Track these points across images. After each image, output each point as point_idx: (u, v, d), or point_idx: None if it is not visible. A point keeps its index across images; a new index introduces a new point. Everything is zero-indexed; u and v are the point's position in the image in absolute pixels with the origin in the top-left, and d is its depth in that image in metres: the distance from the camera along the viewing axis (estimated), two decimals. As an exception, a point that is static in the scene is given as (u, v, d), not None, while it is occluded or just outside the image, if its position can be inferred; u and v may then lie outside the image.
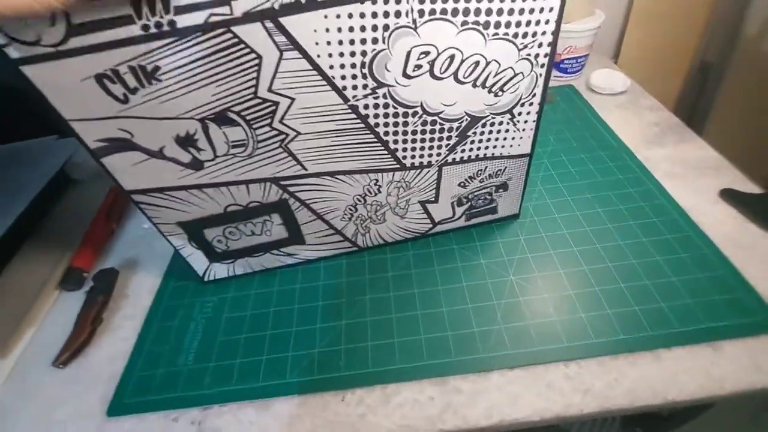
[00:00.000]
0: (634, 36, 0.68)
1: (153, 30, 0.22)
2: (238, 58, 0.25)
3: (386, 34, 0.26)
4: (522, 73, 0.30)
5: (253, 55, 0.25)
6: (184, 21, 0.23)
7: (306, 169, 0.33)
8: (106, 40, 0.22)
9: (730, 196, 0.43)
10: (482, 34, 0.27)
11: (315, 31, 0.25)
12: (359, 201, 0.37)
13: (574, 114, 0.58)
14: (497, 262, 0.40)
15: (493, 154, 0.36)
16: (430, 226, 0.42)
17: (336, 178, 0.34)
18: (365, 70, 0.27)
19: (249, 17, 0.23)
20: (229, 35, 0.24)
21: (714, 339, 0.32)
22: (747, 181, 0.45)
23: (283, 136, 0.30)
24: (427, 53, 0.27)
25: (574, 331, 0.34)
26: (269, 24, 0.24)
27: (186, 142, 0.28)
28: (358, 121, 0.30)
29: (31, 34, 0.21)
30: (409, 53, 0.27)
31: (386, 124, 0.31)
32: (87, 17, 0.21)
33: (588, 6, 0.61)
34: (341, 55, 0.26)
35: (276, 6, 0.23)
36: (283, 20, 0.24)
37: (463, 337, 0.34)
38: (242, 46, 0.24)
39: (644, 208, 0.43)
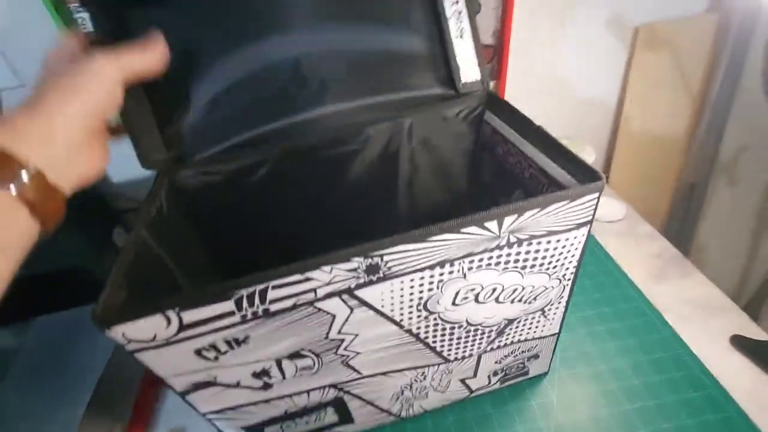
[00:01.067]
0: (621, 165, 0.76)
1: (249, 317, 0.26)
2: (316, 320, 0.28)
3: (441, 284, 0.30)
4: (552, 286, 0.34)
5: (329, 316, 0.29)
6: (275, 307, 0.26)
7: (361, 373, 0.36)
8: (209, 330, 0.26)
9: (741, 345, 0.46)
10: (520, 273, 0.31)
11: (382, 293, 0.29)
12: (406, 388, 0.39)
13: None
14: (533, 429, 0.42)
15: (526, 338, 0.39)
16: (468, 394, 0.44)
17: (388, 375, 0.37)
18: (420, 307, 0.31)
19: (329, 296, 0.27)
20: (311, 308, 0.27)
21: None
22: (751, 323, 0.49)
23: (346, 356, 0.33)
24: (473, 290, 0.31)
25: None
26: (345, 296, 0.28)
27: (261, 375, 0.31)
28: (411, 338, 0.34)
29: (148, 333, 0.25)
30: (457, 292, 0.31)
31: (434, 336, 0.35)
32: (196, 317, 0.25)
33: (579, 144, 0.69)
34: (401, 303, 0.30)
35: (352, 285, 0.27)
36: (356, 292, 0.28)
37: None
38: (321, 313, 0.28)
39: (665, 360, 0.46)
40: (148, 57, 0.31)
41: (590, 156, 0.68)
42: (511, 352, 0.41)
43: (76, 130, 0.26)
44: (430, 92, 0.42)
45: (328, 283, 0.26)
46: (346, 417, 0.40)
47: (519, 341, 0.39)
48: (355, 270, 0.26)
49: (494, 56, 0.66)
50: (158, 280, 0.32)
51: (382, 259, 0.26)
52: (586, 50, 0.68)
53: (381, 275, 0.27)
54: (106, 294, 0.25)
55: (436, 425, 0.43)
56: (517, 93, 0.69)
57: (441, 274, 0.29)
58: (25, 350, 0.47)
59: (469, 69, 0.41)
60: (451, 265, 0.29)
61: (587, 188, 0.30)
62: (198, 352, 0.27)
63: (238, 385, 0.32)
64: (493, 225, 0.27)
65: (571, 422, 0.42)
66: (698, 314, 0.51)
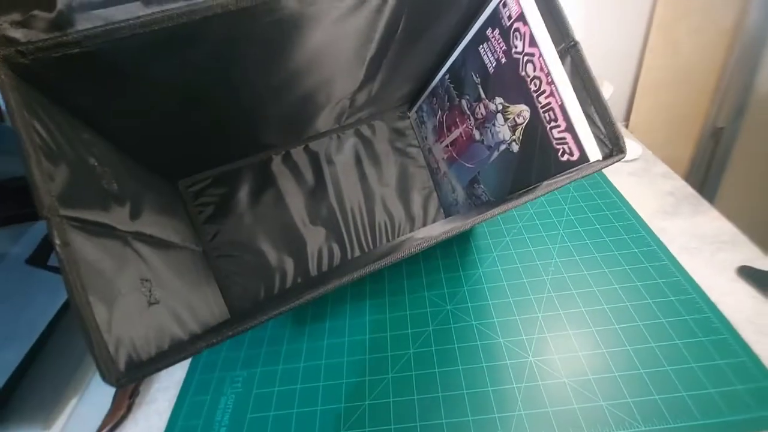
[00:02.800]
0: (643, 104, 0.71)
1: None
2: None
3: None
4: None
5: None
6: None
7: None
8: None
9: (747, 274, 0.43)
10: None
11: None
12: None
13: (586, 181, 0.60)
14: (516, 341, 0.41)
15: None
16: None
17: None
18: None
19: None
20: None
21: (739, 434, 0.32)
22: (763, 256, 0.46)
23: None
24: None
25: (593, 420, 0.34)
26: None
27: None
28: None
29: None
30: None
31: None
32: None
33: (598, 77, 0.65)
34: None
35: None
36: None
37: (484, 423, 0.35)
38: None
39: (661, 286, 0.44)
40: None
41: (608, 90, 0.64)
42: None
43: None
44: None
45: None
46: None
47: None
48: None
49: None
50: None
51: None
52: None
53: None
54: (101, 350, 0.20)
55: (409, 276, 0.44)
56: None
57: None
58: (14, 254, 0.49)
59: None
60: None
61: (605, 163, 0.28)
62: None
63: None
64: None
65: (556, 336, 0.41)
66: (707, 248, 0.48)
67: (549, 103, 0.32)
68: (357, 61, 0.38)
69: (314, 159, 0.51)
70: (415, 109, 0.54)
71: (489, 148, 0.41)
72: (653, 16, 0.65)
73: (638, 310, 0.42)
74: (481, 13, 0.37)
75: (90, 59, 0.23)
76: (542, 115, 0.33)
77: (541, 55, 0.31)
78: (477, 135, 0.42)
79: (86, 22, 0.22)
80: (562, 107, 0.31)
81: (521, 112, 0.35)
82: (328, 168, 0.51)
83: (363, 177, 0.52)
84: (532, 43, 0.32)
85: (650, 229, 0.51)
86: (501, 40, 0.35)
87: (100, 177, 0.27)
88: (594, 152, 0.30)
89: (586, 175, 0.29)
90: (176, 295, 0.32)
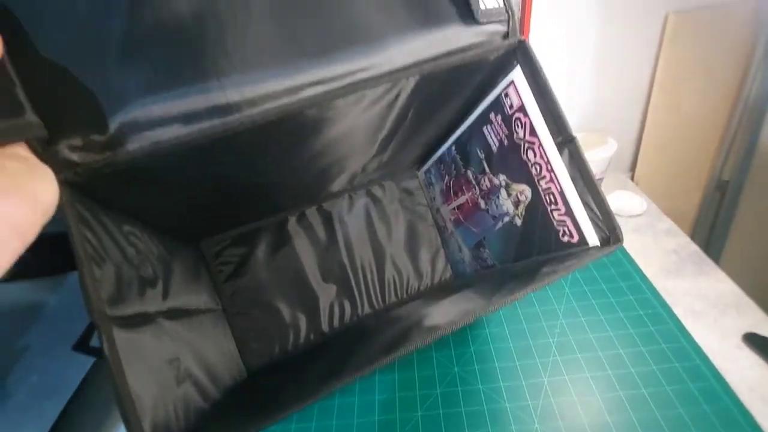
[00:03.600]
0: (647, 157, 0.73)
1: None
2: None
3: None
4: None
5: None
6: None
7: None
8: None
9: (753, 342, 0.44)
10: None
11: None
12: None
13: (593, 235, 0.62)
14: (522, 406, 0.42)
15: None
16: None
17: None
18: None
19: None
20: None
21: None
22: (770, 322, 0.46)
23: None
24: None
25: (599, 496, 0.35)
26: None
27: None
28: None
29: None
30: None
31: None
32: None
33: (600, 137, 0.67)
34: None
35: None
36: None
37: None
38: None
39: (666, 351, 0.45)
40: None
41: (611, 147, 0.66)
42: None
43: None
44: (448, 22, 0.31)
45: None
46: None
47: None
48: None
49: (514, 44, 0.65)
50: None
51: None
52: (613, 38, 0.66)
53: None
54: None
55: (424, 397, 0.45)
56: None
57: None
58: (54, 303, 0.52)
59: None
60: None
61: (603, 251, 0.30)
62: None
63: None
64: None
65: (561, 402, 0.42)
66: (711, 311, 0.49)
67: (549, 188, 0.34)
68: (370, 142, 0.42)
69: (327, 219, 0.54)
70: (423, 170, 0.57)
71: (494, 218, 0.43)
72: (654, 77, 0.67)
73: (643, 376, 0.43)
74: (485, 98, 0.40)
75: (134, 171, 0.27)
76: (543, 197, 0.35)
77: (540, 144, 0.34)
78: (482, 204, 0.45)
79: (134, 143, 0.26)
80: (562, 194, 0.34)
81: (523, 191, 0.38)
82: (340, 227, 0.54)
83: (373, 235, 0.55)
84: (533, 133, 0.35)
85: (655, 290, 0.52)
86: (503, 125, 0.38)
87: (138, 267, 0.30)
88: (592, 238, 0.32)
89: (584, 264, 0.31)
90: (200, 361, 0.35)
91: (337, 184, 0.52)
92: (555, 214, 0.35)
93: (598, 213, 0.32)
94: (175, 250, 0.41)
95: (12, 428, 0.40)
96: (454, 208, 0.51)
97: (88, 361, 0.44)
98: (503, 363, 0.46)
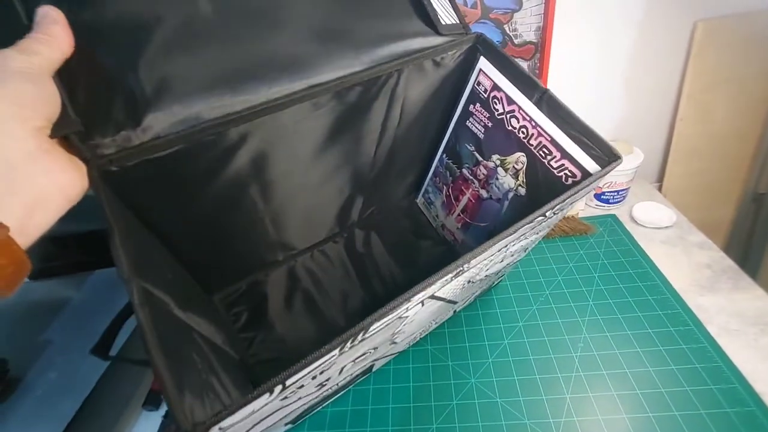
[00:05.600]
0: (676, 169, 0.70)
1: (346, 347, 0.25)
2: (393, 326, 0.30)
3: (491, 262, 0.33)
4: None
5: (404, 318, 0.30)
6: (371, 333, 0.26)
7: (396, 343, 0.38)
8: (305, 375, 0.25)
9: (797, 365, 0.41)
10: (538, 233, 0.32)
11: (455, 286, 0.31)
12: (420, 333, 0.43)
13: (617, 248, 0.59)
14: (542, 423, 0.40)
15: (505, 268, 0.39)
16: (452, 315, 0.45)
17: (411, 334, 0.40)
18: (467, 282, 0.34)
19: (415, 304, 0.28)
20: (397, 320, 0.28)
21: None
22: (816, 344, 0.43)
23: (394, 338, 0.35)
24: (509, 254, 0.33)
25: None
26: (427, 300, 0.29)
27: (323, 383, 0.32)
28: (446, 304, 0.37)
29: (246, 412, 0.23)
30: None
31: (459, 295, 0.37)
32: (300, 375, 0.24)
33: (626, 147, 0.65)
34: (462, 286, 0.34)
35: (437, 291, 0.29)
36: (437, 293, 0.30)
37: None
38: (401, 319, 0.29)
39: (700, 372, 0.42)
40: (57, 42, 0.24)
41: (638, 157, 0.64)
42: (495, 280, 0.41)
43: (19, 143, 0.20)
44: (412, 33, 0.38)
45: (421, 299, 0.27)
46: (367, 372, 0.42)
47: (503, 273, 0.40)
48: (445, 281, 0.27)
49: (535, 53, 0.65)
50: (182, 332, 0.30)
51: (469, 264, 0.27)
52: (640, 47, 0.64)
53: (460, 272, 0.28)
54: (177, 403, 0.21)
55: (433, 342, 0.47)
56: (560, 92, 0.67)
57: (499, 252, 0.30)
58: (77, 300, 0.53)
59: (446, 14, 0.39)
60: (506, 247, 0.30)
61: (607, 170, 0.30)
62: (283, 398, 0.26)
63: (298, 400, 0.31)
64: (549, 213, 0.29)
65: (584, 421, 0.39)
66: (749, 330, 0.46)
67: (540, 142, 0.35)
68: (367, 152, 0.45)
69: (335, 257, 0.53)
70: (421, 194, 0.57)
71: (498, 200, 0.43)
72: (683, 86, 0.65)
73: (674, 397, 0.40)
74: (461, 98, 0.43)
75: (157, 164, 0.28)
76: (537, 154, 0.36)
77: (520, 108, 0.36)
78: (484, 194, 0.45)
79: (153, 133, 0.27)
80: (552, 141, 0.34)
81: (518, 158, 0.38)
82: (350, 262, 0.53)
83: (384, 263, 0.54)
84: (510, 102, 0.37)
85: (687, 306, 0.49)
86: (483, 110, 0.41)
87: (159, 265, 0.30)
88: (593, 167, 0.32)
89: (591, 185, 0.31)
90: (222, 389, 0.33)
91: (339, 219, 0.52)
92: (553, 162, 0.35)
93: (589, 142, 0.32)
94: (193, 287, 0.42)
95: (29, 424, 0.41)
96: (458, 214, 0.50)
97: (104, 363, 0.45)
98: (522, 376, 0.44)
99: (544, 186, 0.36)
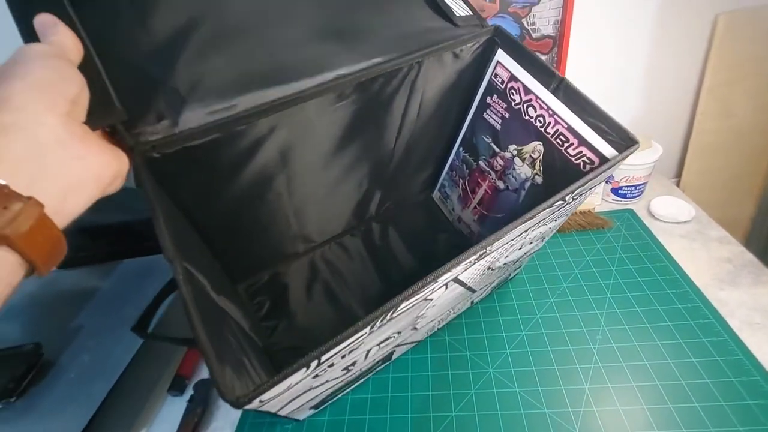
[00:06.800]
0: (695, 164, 0.70)
1: (374, 328, 0.26)
2: (417, 308, 0.31)
3: (511, 247, 0.33)
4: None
5: (428, 301, 0.31)
6: (399, 313, 0.27)
7: (417, 329, 0.39)
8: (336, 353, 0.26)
9: (821, 358, 0.41)
10: (556, 220, 0.34)
11: (475, 271, 0.32)
12: (437, 321, 0.44)
13: (635, 242, 0.59)
14: (562, 413, 0.40)
15: (524, 258, 0.39)
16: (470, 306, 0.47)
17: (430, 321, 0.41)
18: (487, 269, 0.35)
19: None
20: (423, 301, 0.29)
21: None
22: (841, 339, 0.42)
23: (417, 322, 0.36)
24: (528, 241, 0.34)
25: None
26: (450, 282, 0.31)
27: (349, 367, 0.34)
28: (467, 291, 0.39)
29: (284, 386, 0.24)
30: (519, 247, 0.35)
31: (478, 281, 0.38)
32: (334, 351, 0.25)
33: (644, 140, 0.65)
34: (481, 271, 0.34)
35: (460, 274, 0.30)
36: (460, 276, 0.31)
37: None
38: (425, 302, 0.31)
39: (721, 365, 0.42)
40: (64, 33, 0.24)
41: (656, 152, 0.64)
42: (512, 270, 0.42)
43: (48, 128, 0.20)
44: (431, 25, 0.39)
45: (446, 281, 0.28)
46: (387, 359, 0.43)
47: (521, 263, 0.41)
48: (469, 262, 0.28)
49: (553, 47, 0.65)
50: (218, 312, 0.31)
51: (491, 247, 0.28)
52: (659, 40, 0.64)
53: (483, 255, 0.29)
54: (220, 376, 0.22)
55: (450, 333, 0.48)
56: (579, 85, 0.67)
57: (519, 237, 0.31)
58: (106, 288, 0.55)
59: (459, 6, 0.41)
60: (526, 232, 0.30)
61: (625, 155, 0.30)
62: (315, 376, 0.27)
63: (325, 383, 0.33)
64: (569, 197, 0.29)
65: (604, 411, 0.40)
66: (771, 324, 0.45)
67: (557, 130, 0.36)
68: (386, 146, 0.46)
69: (354, 249, 0.55)
70: (437, 188, 0.58)
71: (515, 191, 0.43)
72: (703, 80, 0.65)
73: (695, 389, 0.40)
74: (478, 90, 0.44)
75: (194, 152, 0.29)
76: (554, 141, 0.37)
77: (537, 97, 0.37)
78: (501, 185, 0.46)
79: (192, 123, 0.28)
80: (570, 128, 0.35)
81: (535, 147, 0.39)
82: (367, 255, 0.54)
83: (402, 256, 0.54)
84: (527, 91, 0.38)
85: (707, 299, 0.49)
86: (500, 101, 0.42)
87: (195, 250, 0.32)
88: (610, 152, 0.32)
89: (610, 170, 0.31)
90: (253, 370, 0.33)
91: (355, 214, 0.53)
92: (570, 150, 0.35)
93: (606, 128, 0.32)
94: (220, 274, 0.43)
95: (63, 406, 0.43)
96: (474, 207, 0.51)
97: (137, 344, 0.47)
98: (541, 366, 0.44)
99: (561, 174, 0.37)
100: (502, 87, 0.40)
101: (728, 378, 0.40)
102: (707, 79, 0.64)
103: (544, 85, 0.36)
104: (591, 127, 0.33)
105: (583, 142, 0.33)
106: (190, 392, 0.48)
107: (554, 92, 0.35)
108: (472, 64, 0.42)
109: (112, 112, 0.25)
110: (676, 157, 0.74)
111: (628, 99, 0.69)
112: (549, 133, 0.36)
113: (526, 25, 0.63)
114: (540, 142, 0.38)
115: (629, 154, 0.30)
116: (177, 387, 0.49)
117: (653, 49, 0.64)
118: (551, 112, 0.35)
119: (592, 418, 0.39)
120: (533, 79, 0.37)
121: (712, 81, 0.64)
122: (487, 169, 0.46)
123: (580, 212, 0.64)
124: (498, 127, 0.43)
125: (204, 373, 0.52)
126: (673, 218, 0.62)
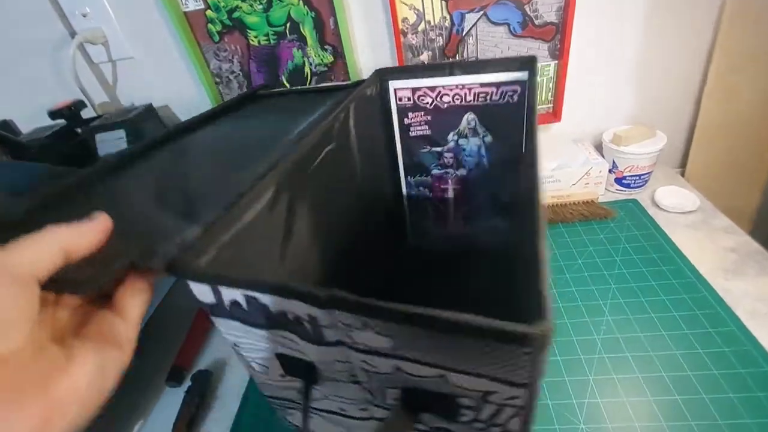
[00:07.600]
0: (700, 152, 0.69)
1: None
2: None
3: None
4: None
5: None
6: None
7: None
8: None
9: (830, 348, 0.40)
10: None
11: None
12: None
13: (639, 232, 0.58)
14: (566, 405, 0.39)
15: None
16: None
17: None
18: None
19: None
20: None
21: None
22: None
23: None
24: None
25: (655, 504, 0.32)
26: None
27: None
28: None
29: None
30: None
31: None
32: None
33: (648, 129, 0.64)
34: None
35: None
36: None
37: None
38: None
39: (728, 355, 0.41)
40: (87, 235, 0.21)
41: (661, 141, 0.63)
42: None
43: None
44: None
45: None
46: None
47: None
48: None
49: (556, 34, 0.63)
50: None
51: None
52: (664, 28, 0.62)
53: None
54: None
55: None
56: (582, 73, 0.66)
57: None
58: None
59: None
60: None
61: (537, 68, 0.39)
62: None
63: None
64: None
65: (609, 403, 0.39)
66: (779, 314, 0.44)
67: (475, 93, 0.42)
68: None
69: None
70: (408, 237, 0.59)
71: (477, 164, 0.49)
72: (709, 66, 0.63)
73: (702, 381, 0.39)
74: (393, 120, 0.49)
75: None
76: (479, 103, 0.43)
77: (443, 86, 0.43)
78: (463, 172, 0.51)
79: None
80: (482, 84, 0.41)
81: (467, 119, 0.44)
82: None
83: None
84: (433, 89, 0.44)
85: (713, 289, 0.48)
86: (417, 113, 0.47)
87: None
88: (520, 75, 0.39)
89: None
90: None
91: None
92: (495, 97, 0.42)
93: (506, 66, 0.39)
94: None
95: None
96: (453, 214, 0.54)
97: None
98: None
99: (501, 117, 0.42)
100: (411, 102, 0.46)
101: (736, 369, 0.40)
102: (713, 65, 0.63)
103: (441, 75, 0.42)
104: (497, 72, 0.39)
105: (499, 85, 0.40)
106: (188, 383, 0.47)
107: (452, 74, 0.42)
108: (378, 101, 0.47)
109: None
110: (680, 147, 0.73)
111: (633, 87, 0.68)
112: (470, 101, 0.42)
113: (528, 12, 0.61)
114: (469, 111, 0.43)
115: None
116: (175, 378, 0.48)
117: (658, 36, 0.63)
118: (461, 86, 0.42)
119: (597, 410, 0.39)
120: (430, 78, 0.43)
121: (718, 67, 0.63)
122: (443, 170, 0.50)
123: (583, 202, 0.63)
124: (428, 132, 0.48)
125: (202, 364, 0.51)
126: (678, 208, 0.61)
